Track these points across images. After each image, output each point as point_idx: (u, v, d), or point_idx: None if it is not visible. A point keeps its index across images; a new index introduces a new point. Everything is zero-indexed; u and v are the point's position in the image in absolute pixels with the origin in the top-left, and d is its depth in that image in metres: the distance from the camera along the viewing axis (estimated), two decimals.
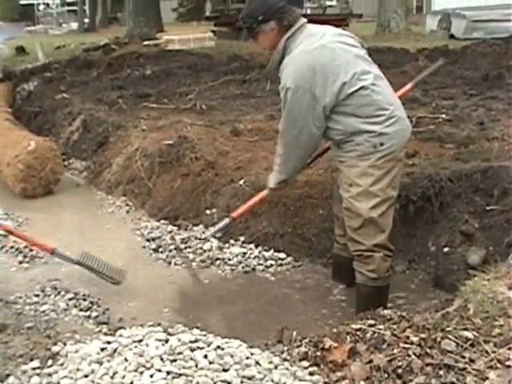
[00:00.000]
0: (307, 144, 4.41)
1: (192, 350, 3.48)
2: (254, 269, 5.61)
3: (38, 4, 50.96)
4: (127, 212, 7.27)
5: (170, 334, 3.75)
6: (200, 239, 5.50)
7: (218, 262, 5.68)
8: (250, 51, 13.71)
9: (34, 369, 3.69)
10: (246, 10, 4.60)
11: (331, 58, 4.23)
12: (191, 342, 3.59)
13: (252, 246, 5.89)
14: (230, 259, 5.70)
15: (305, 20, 4.48)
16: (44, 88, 12.96)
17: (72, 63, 14.34)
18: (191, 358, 3.38)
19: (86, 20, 35.87)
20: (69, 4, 48.62)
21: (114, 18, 40.70)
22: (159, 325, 4.23)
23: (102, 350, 3.64)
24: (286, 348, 3.56)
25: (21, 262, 5.90)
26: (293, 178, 4.89)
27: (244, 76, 12.11)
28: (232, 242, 5.96)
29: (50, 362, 3.75)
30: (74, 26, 38.02)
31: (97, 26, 34.19)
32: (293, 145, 4.46)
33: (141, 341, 3.67)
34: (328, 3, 30.22)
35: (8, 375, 3.67)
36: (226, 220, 5.23)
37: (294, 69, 4.25)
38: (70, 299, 5.04)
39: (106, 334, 4.21)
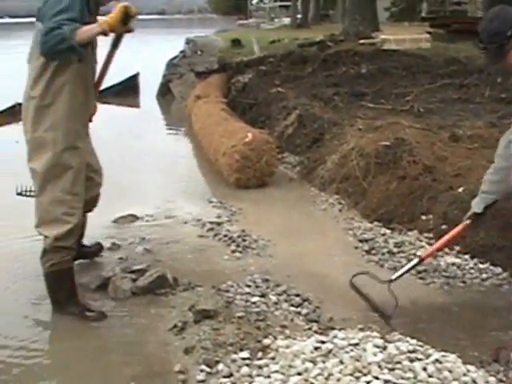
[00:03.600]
0: None
1: (411, 360, 3.43)
2: (467, 281, 5.41)
3: None
4: (339, 211, 7.22)
5: (387, 341, 3.69)
6: (384, 282, 5.27)
7: (431, 270, 5.53)
8: (468, 54, 13.38)
9: (244, 359, 3.76)
10: (485, 31, 4.30)
11: None
12: (409, 351, 3.53)
13: (467, 256, 5.70)
14: (444, 270, 5.53)
15: None
16: (259, 81, 13.27)
17: (287, 58, 14.61)
18: (410, 369, 3.33)
19: (298, 16, 36.35)
20: None
21: (325, 15, 41.12)
22: (369, 328, 4.19)
23: (316, 349, 3.65)
24: (502, 368, 3.44)
25: (233, 252, 6.02)
26: None
27: (462, 80, 11.76)
28: (447, 250, 5.77)
29: (260, 354, 3.81)
30: (286, 21, 38.67)
31: (309, 23, 34.60)
32: None
33: (357, 344, 3.65)
34: None
35: (217, 362, 3.76)
36: (414, 261, 5.03)
37: None
38: (281, 293, 5.04)
39: (316, 332, 4.21)
